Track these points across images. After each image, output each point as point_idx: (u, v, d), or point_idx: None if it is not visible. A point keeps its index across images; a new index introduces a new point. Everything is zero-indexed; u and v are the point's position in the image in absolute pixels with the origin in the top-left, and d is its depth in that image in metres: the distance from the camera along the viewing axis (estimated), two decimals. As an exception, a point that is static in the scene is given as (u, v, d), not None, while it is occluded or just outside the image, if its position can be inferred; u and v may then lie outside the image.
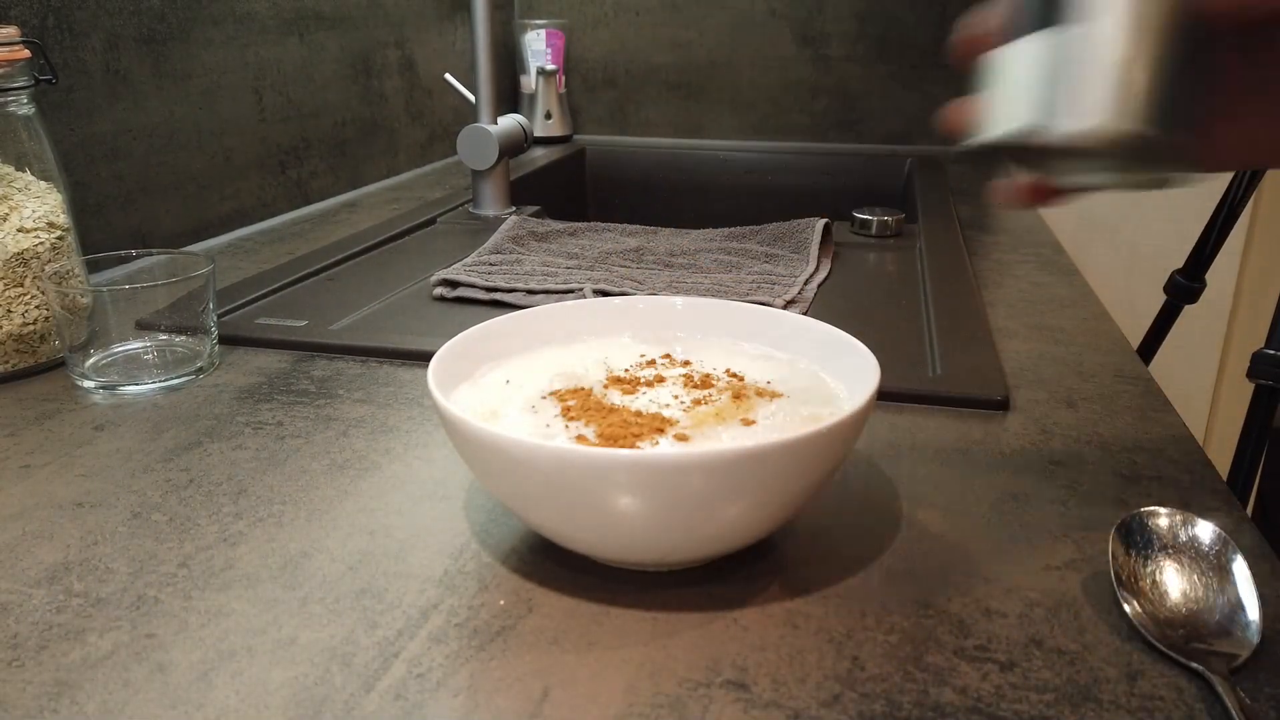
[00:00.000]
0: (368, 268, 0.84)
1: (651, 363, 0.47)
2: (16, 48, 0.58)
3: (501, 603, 0.38)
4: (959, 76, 0.50)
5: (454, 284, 0.76)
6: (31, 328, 0.59)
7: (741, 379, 0.45)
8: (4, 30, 0.57)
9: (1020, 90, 0.35)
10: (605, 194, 1.47)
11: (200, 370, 0.60)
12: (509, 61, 1.52)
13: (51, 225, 0.60)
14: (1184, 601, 0.36)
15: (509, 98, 1.53)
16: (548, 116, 1.47)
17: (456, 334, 0.45)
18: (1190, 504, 0.45)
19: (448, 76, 1.05)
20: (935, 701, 0.32)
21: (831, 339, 0.45)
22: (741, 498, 0.34)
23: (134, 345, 0.60)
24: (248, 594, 0.38)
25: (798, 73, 1.44)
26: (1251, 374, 0.80)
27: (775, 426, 0.40)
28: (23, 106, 0.60)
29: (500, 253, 0.84)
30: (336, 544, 0.42)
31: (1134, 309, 1.18)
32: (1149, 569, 0.37)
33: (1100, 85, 0.32)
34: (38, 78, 0.60)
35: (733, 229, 0.92)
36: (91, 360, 0.59)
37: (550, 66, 1.46)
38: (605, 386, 0.44)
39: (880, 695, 0.31)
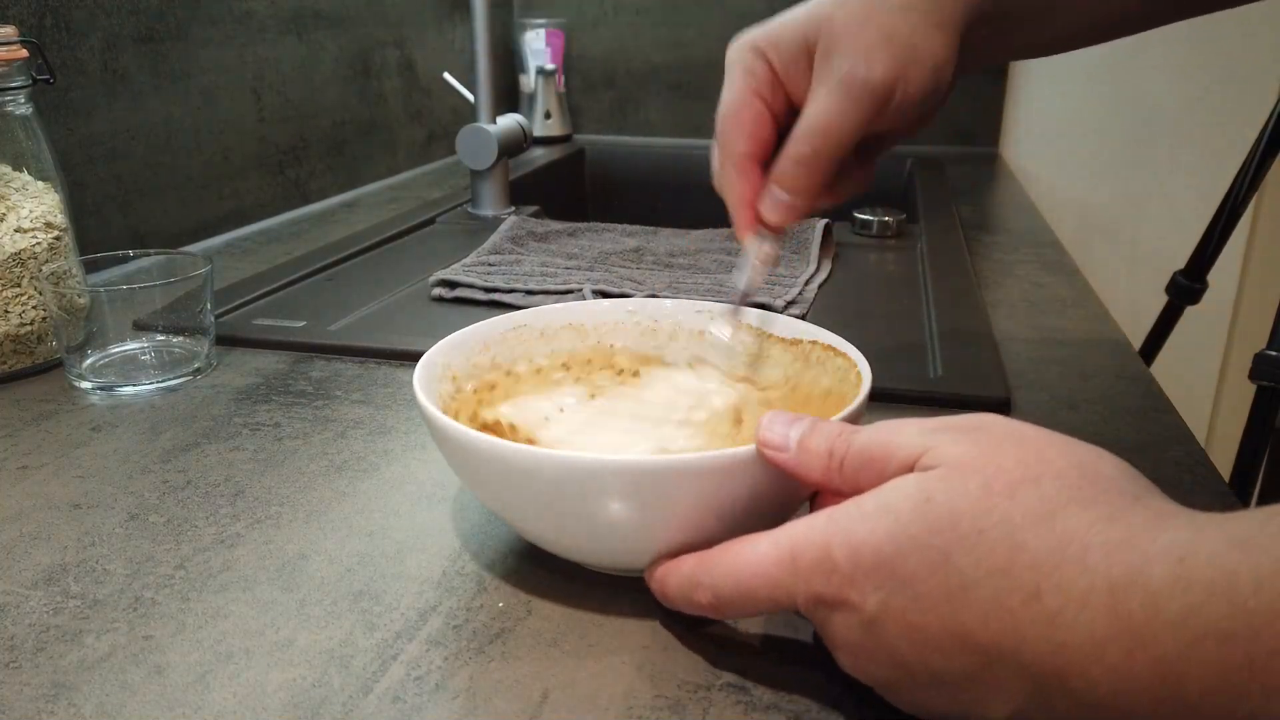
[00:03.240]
0: (366, 268, 0.84)
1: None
2: (14, 47, 0.57)
3: (500, 605, 0.37)
4: (958, 76, 0.50)
5: (453, 284, 0.76)
6: (29, 328, 0.58)
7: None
8: (2, 30, 0.57)
9: None
10: (605, 194, 1.47)
11: (198, 371, 0.60)
12: (508, 61, 1.51)
13: (49, 225, 0.59)
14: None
15: (508, 97, 1.52)
16: (547, 116, 1.47)
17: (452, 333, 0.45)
18: (1192, 505, 0.45)
19: (446, 76, 1.05)
20: (937, 704, 0.32)
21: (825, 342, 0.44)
22: (734, 504, 0.34)
23: (131, 346, 0.60)
24: (245, 596, 0.38)
25: (798, 73, 1.44)
26: (1253, 375, 0.80)
27: None
28: (20, 106, 0.59)
29: (499, 253, 0.83)
30: (334, 546, 0.41)
31: (1135, 310, 1.18)
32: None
33: None
34: (35, 77, 0.60)
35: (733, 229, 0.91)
36: (89, 361, 0.59)
37: (549, 66, 1.46)
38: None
39: (881, 699, 0.31)
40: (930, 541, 0.27)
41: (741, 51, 0.46)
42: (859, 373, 0.39)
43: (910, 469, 0.29)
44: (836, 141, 0.44)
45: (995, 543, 0.26)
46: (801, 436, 0.32)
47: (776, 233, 0.46)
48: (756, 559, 0.31)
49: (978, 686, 0.27)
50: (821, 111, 0.43)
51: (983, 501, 0.27)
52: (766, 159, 0.46)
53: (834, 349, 0.42)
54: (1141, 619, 0.24)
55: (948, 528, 0.27)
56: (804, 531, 0.30)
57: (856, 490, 0.30)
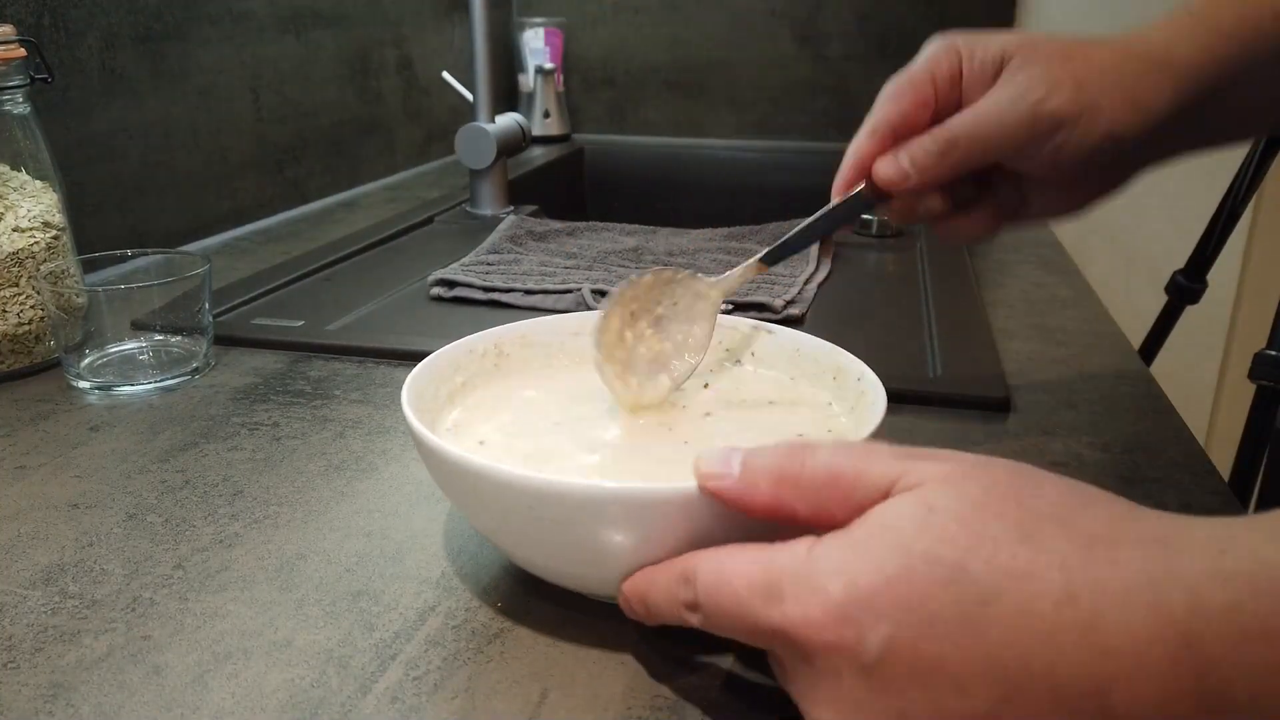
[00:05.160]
0: (365, 267, 0.84)
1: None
2: (12, 46, 0.57)
3: (499, 605, 0.37)
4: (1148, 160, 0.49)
5: (451, 284, 0.76)
6: (27, 328, 0.58)
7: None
8: (-1, 28, 0.57)
9: None
10: (604, 193, 1.46)
11: (196, 371, 0.60)
12: (507, 60, 1.51)
13: (47, 225, 0.59)
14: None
15: (507, 96, 1.52)
16: (546, 115, 1.47)
17: (455, 334, 0.45)
18: (1191, 506, 0.45)
19: (445, 75, 1.05)
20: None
21: (835, 361, 0.43)
22: (730, 530, 0.31)
23: (129, 345, 0.60)
24: (244, 596, 0.38)
25: (797, 72, 1.44)
26: (1253, 375, 0.80)
27: None
28: (18, 105, 0.59)
29: (498, 252, 0.83)
30: (333, 546, 0.41)
31: (1135, 309, 1.17)
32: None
33: None
34: (33, 76, 0.59)
35: (732, 229, 0.91)
36: (87, 360, 0.59)
37: (549, 65, 1.46)
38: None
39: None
40: (940, 553, 0.24)
41: (937, 43, 0.46)
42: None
43: (886, 495, 0.27)
44: (982, 141, 0.43)
45: (1014, 545, 0.24)
46: (743, 460, 0.29)
47: (880, 191, 0.46)
48: (735, 567, 0.28)
49: None
50: (983, 108, 0.43)
51: (990, 505, 0.25)
52: (903, 137, 0.45)
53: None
54: (1183, 614, 0.22)
55: (956, 534, 0.24)
56: (787, 559, 0.27)
57: (819, 509, 0.28)
